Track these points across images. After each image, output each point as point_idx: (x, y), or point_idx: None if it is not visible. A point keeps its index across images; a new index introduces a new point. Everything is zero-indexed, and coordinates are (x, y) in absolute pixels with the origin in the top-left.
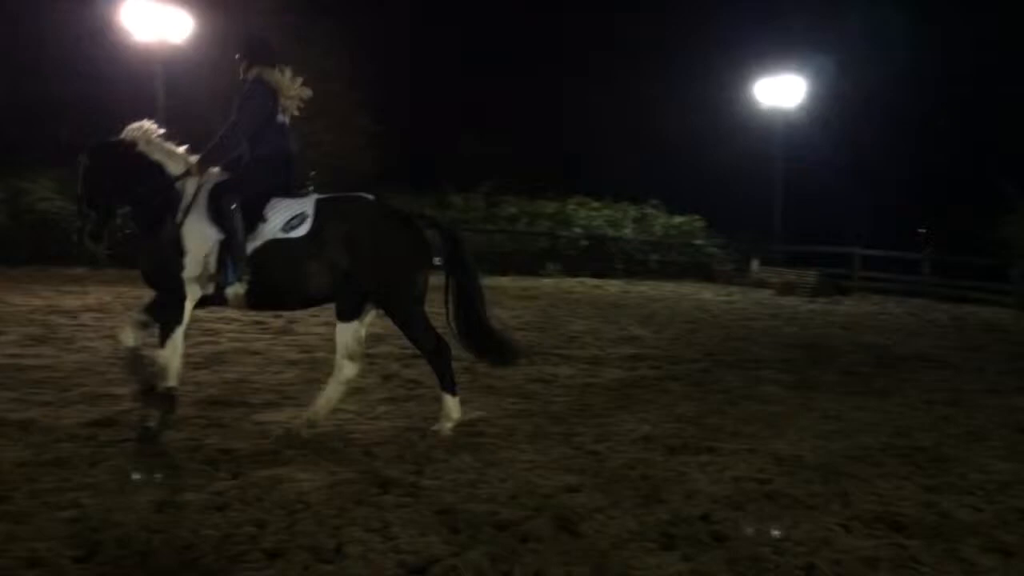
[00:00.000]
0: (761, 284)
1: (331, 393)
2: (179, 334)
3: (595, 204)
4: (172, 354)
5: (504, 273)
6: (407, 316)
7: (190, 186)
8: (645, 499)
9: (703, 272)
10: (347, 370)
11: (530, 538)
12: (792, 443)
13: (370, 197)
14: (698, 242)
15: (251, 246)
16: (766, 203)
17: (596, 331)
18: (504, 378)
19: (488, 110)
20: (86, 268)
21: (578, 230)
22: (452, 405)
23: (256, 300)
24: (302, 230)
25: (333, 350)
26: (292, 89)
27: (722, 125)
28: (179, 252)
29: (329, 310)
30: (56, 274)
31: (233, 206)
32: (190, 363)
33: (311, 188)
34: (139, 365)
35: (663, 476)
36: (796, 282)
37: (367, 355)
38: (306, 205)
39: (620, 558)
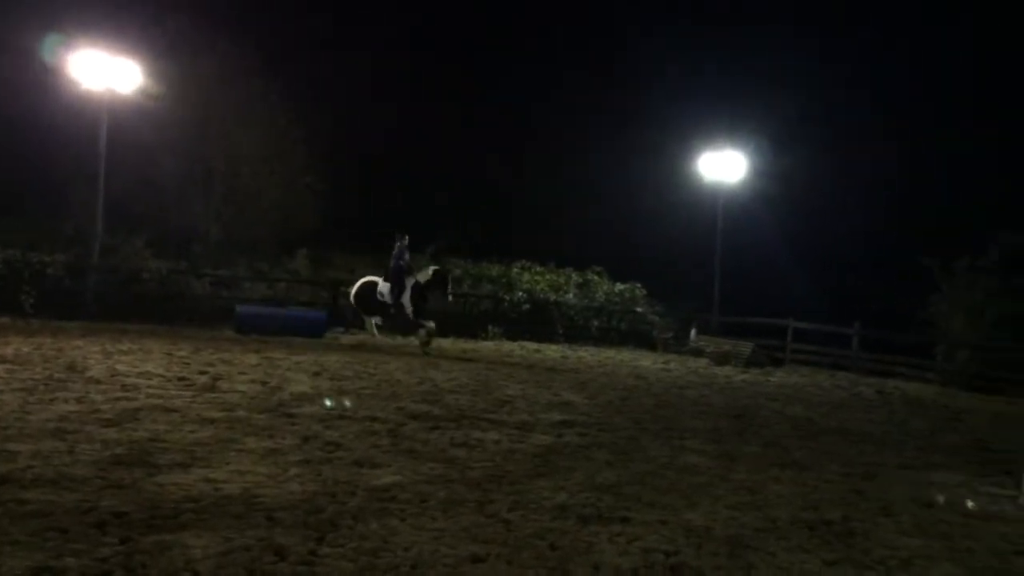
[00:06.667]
0: (698, 353)
1: None
2: None
3: (539, 269)
4: None
5: (445, 335)
6: None
7: None
8: (550, 571)
9: (643, 339)
10: None
11: None
12: (705, 514)
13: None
14: (639, 309)
15: None
16: (707, 273)
17: (529, 396)
18: (427, 442)
19: (435, 173)
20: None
21: (521, 294)
22: None
23: None
24: None
25: (253, 408)
26: None
27: (666, 197)
28: None
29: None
30: None
31: None
32: (99, 420)
33: None
34: None
35: (572, 547)
36: (731, 352)
37: (290, 415)
38: None
39: None
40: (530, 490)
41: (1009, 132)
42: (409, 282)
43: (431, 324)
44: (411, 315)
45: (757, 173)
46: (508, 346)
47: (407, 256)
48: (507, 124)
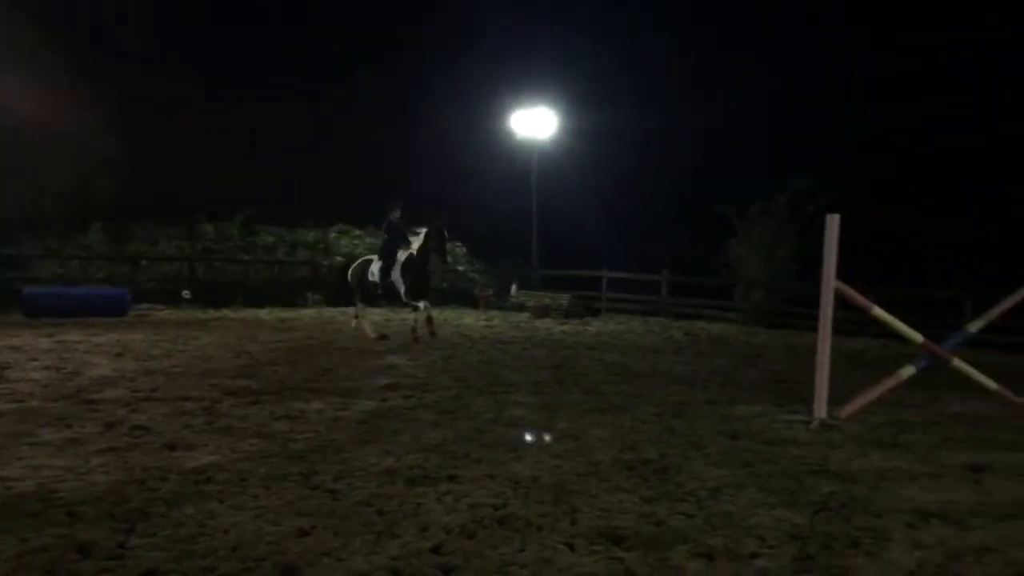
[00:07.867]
0: (520, 308)
1: None
2: None
3: (357, 232)
4: None
5: (261, 305)
6: None
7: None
8: (378, 536)
9: (465, 297)
10: None
11: None
12: (531, 465)
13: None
14: (460, 268)
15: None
16: (524, 230)
17: (352, 362)
18: (246, 418)
19: (244, 138)
20: None
21: (340, 259)
22: None
23: None
24: None
25: (48, 397)
26: None
27: (482, 155)
28: None
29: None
30: None
31: None
32: None
33: None
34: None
35: (400, 510)
36: (551, 305)
37: (90, 401)
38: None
39: None
40: (356, 458)
41: (799, 88)
42: (401, 256)
43: (421, 305)
44: (403, 295)
45: (567, 130)
46: (330, 313)
47: (401, 229)
48: (316, 86)
